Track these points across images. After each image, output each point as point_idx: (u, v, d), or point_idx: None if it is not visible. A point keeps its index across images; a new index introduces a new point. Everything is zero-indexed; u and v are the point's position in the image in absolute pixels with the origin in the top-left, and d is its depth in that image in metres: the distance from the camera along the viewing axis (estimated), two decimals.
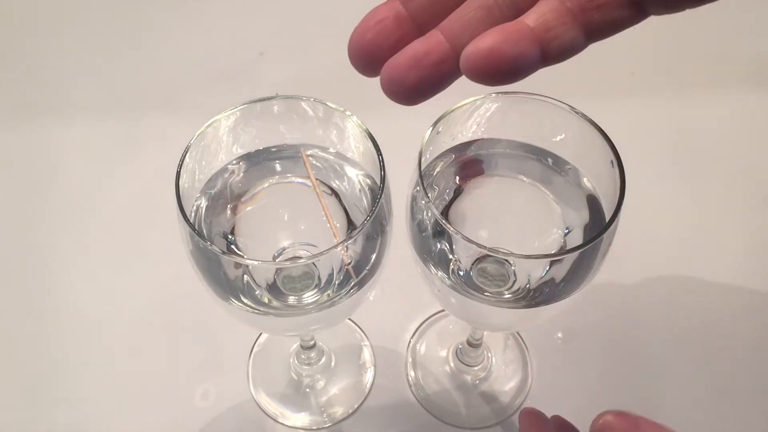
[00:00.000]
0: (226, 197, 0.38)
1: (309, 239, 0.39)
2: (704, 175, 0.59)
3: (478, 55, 0.22)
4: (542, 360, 0.50)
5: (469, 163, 0.39)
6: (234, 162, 0.38)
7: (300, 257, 0.39)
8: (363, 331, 0.51)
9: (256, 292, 0.35)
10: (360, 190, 0.38)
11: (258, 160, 0.38)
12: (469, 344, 0.48)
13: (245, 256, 0.37)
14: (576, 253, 0.32)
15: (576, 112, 0.35)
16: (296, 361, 0.49)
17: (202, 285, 0.34)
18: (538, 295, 0.36)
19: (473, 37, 0.23)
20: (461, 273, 0.37)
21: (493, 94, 0.36)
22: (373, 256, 0.35)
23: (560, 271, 0.35)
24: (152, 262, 0.54)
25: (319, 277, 0.37)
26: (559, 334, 0.50)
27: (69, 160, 0.60)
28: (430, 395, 0.48)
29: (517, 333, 0.51)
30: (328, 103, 0.35)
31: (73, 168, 0.59)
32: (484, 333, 0.48)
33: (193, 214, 0.36)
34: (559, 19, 0.23)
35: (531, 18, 0.23)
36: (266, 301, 0.36)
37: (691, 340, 0.50)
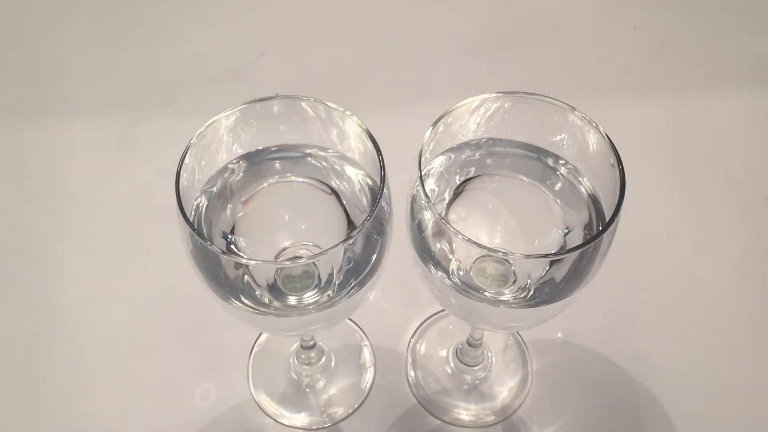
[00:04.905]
0: (226, 197, 0.38)
1: (309, 239, 0.39)
2: (704, 175, 0.59)
3: None
4: (542, 360, 0.50)
5: (469, 163, 0.39)
6: (234, 162, 0.38)
7: (300, 257, 0.39)
8: (363, 331, 0.51)
9: (257, 292, 0.35)
10: (360, 190, 0.38)
11: (258, 160, 0.38)
12: (469, 344, 0.48)
13: (245, 256, 0.37)
14: (576, 253, 0.32)
15: (576, 112, 0.35)
16: (296, 361, 0.49)
17: (202, 285, 0.34)
18: (538, 295, 0.36)
19: None
20: (461, 273, 0.37)
21: (493, 94, 0.36)
22: (373, 256, 0.35)
23: (560, 271, 0.35)
24: (152, 262, 0.54)
25: (319, 277, 0.37)
26: (559, 334, 0.50)
27: (69, 160, 0.60)
28: (430, 395, 0.48)
29: (517, 333, 0.51)
30: (328, 103, 0.35)
31: (73, 168, 0.59)
32: (484, 333, 0.48)
33: (193, 214, 0.36)
34: None
35: None
36: (266, 301, 0.36)
37: (690, 340, 0.50)
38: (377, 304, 0.51)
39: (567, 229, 0.38)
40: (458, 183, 0.39)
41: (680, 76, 0.66)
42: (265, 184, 0.39)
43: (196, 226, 0.31)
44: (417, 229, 0.35)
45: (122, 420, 0.47)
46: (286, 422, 0.47)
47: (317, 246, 0.39)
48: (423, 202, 0.33)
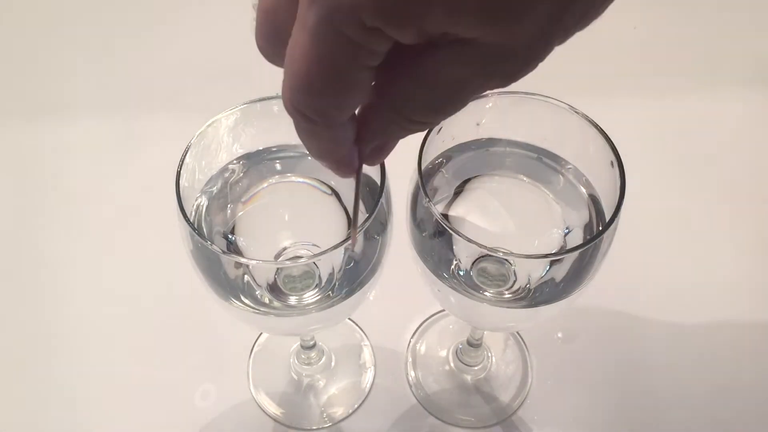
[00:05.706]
0: (226, 197, 0.38)
1: (309, 239, 0.39)
2: (704, 175, 0.59)
3: None
4: (542, 360, 0.50)
5: (469, 163, 0.39)
6: (234, 161, 0.38)
7: (300, 257, 0.39)
8: (363, 331, 0.51)
9: (257, 292, 0.35)
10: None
11: (258, 160, 0.38)
12: (469, 344, 0.48)
13: (245, 256, 0.37)
14: (576, 253, 0.32)
15: (576, 112, 0.35)
16: (296, 361, 0.49)
17: (202, 285, 0.34)
18: (538, 295, 0.36)
19: None
20: (461, 273, 0.37)
21: (494, 94, 0.36)
22: (374, 256, 0.35)
23: (560, 271, 0.35)
24: (152, 262, 0.53)
25: (319, 276, 0.37)
26: (559, 334, 0.50)
27: (69, 160, 0.60)
28: (430, 395, 0.48)
29: (517, 333, 0.51)
30: None
31: (73, 168, 0.59)
32: (484, 333, 0.48)
33: (193, 214, 0.36)
34: None
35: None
36: (267, 301, 0.36)
37: (690, 340, 0.50)
38: (377, 304, 0.51)
39: (567, 229, 0.38)
40: (458, 183, 0.39)
41: (680, 76, 0.66)
42: (266, 184, 0.39)
43: (196, 226, 0.31)
44: (417, 229, 0.35)
45: (122, 420, 0.47)
46: (286, 422, 0.47)
47: (317, 246, 0.39)
48: (423, 202, 0.33)
